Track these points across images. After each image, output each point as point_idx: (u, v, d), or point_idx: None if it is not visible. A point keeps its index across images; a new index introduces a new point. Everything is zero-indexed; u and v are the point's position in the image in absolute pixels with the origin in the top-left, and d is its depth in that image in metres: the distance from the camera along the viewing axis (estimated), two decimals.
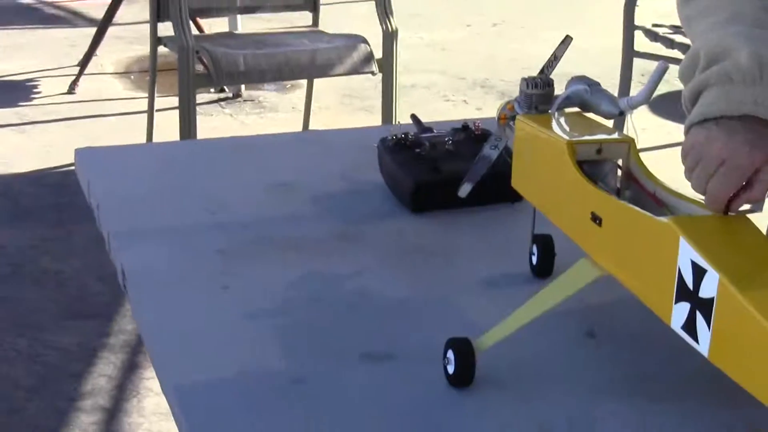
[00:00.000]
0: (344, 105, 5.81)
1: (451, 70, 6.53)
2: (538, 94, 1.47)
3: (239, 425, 1.24)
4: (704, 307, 1.06)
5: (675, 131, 5.19)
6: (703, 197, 1.23)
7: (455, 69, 6.54)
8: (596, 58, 6.22)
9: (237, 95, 5.87)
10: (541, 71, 1.54)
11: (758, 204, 1.23)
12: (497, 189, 1.73)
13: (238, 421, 1.25)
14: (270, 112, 5.67)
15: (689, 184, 1.26)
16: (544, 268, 1.59)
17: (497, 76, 6.38)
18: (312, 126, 5.04)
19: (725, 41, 1.28)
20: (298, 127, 5.11)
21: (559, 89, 1.48)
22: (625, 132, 1.38)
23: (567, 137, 1.34)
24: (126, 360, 3.37)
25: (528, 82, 1.48)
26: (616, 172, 1.36)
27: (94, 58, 6.00)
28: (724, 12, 1.35)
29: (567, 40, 1.57)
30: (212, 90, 5.81)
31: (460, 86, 6.23)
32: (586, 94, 1.44)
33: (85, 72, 6.00)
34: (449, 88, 6.19)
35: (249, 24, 5.59)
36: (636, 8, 4.79)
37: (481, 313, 1.46)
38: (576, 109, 1.47)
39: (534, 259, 1.60)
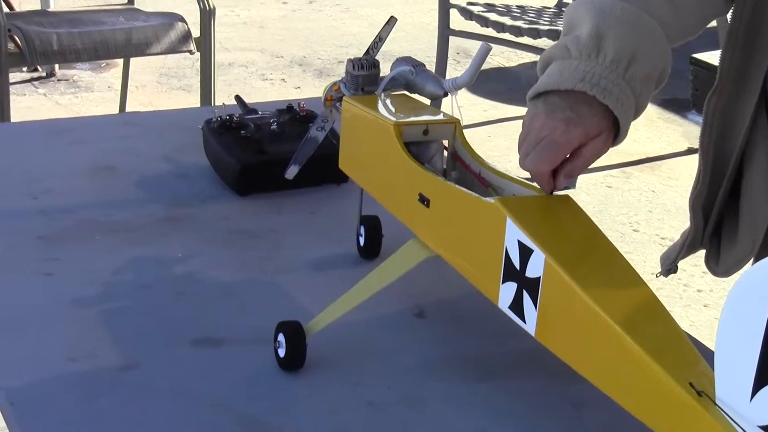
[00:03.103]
0: (161, 84, 5.72)
1: (269, 48, 6.49)
2: (364, 76, 1.48)
3: (69, 414, 1.21)
4: (531, 286, 1.08)
5: (490, 109, 5.27)
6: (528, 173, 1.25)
7: (273, 47, 6.50)
8: (412, 36, 6.27)
9: (51, 74, 5.72)
10: (367, 52, 1.55)
11: (572, 181, 1.25)
12: (324, 170, 1.74)
13: (67, 410, 1.22)
14: (85, 92, 5.54)
15: (511, 163, 1.27)
16: (372, 250, 1.60)
17: (315, 54, 6.37)
18: (129, 106, 4.95)
19: (577, 13, 1.28)
20: (115, 107, 5.02)
21: (385, 70, 1.49)
22: (449, 112, 1.39)
23: (394, 118, 1.35)
24: None
25: (354, 63, 1.48)
26: (443, 153, 1.37)
27: None
28: None
29: (391, 21, 1.58)
30: (24, 69, 5.65)
31: (278, 64, 6.20)
32: (411, 75, 1.46)
33: None
34: (267, 67, 6.14)
35: (62, 2, 5.46)
36: None
37: (311, 296, 1.47)
38: (402, 91, 1.48)
39: (361, 241, 1.60)
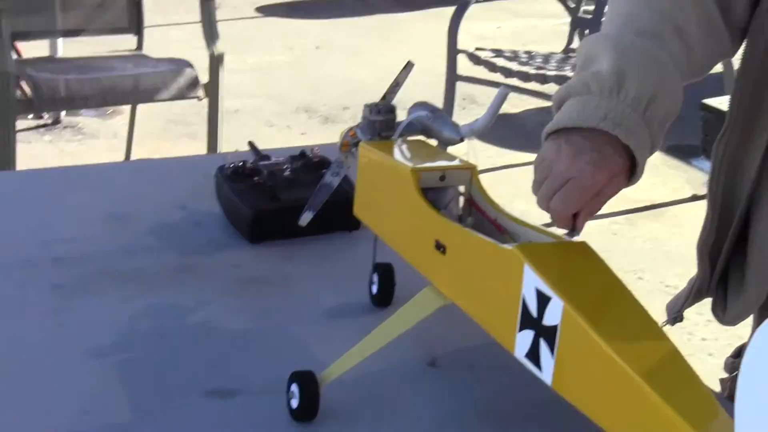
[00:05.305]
0: (167, 131, 5.73)
1: (275, 94, 6.50)
2: (381, 121, 1.47)
3: None
4: (548, 334, 1.07)
5: (495, 156, 5.27)
6: (544, 218, 1.25)
7: (279, 93, 6.52)
8: (420, 81, 6.27)
9: (56, 121, 5.73)
10: (383, 97, 1.54)
11: (577, 230, 1.25)
12: (337, 217, 1.73)
13: None
14: (91, 139, 5.56)
15: (515, 211, 1.27)
16: (385, 298, 1.59)
17: (321, 101, 6.39)
18: (134, 153, 4.96)
19: (595, 48, 1.28)
20: (120, 155, 5.02)
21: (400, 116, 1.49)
22: (465, 158, 1.39)
23: (410, 164, 1.34)
24: None
25: (371, 108, 1.47)
26: (458, 199, 1.37)
27: None
28: (626, 7, 1.34)
29: (408, 66, 1.58)
30: (30, 116, 5.66)
31: (284, 111, 6.21)
32: (428, 120, 1.45)
33: None
34: (273, 113, 6.16)
35: (71, 48, 5.48)
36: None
37: (324, 345, 1.45)
38: (419, 136, 1.48)
39: (374, 289, 1.59)
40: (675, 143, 5.33)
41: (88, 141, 5.52)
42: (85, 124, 5.75)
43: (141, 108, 4.91)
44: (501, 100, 1.33)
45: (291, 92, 6.54)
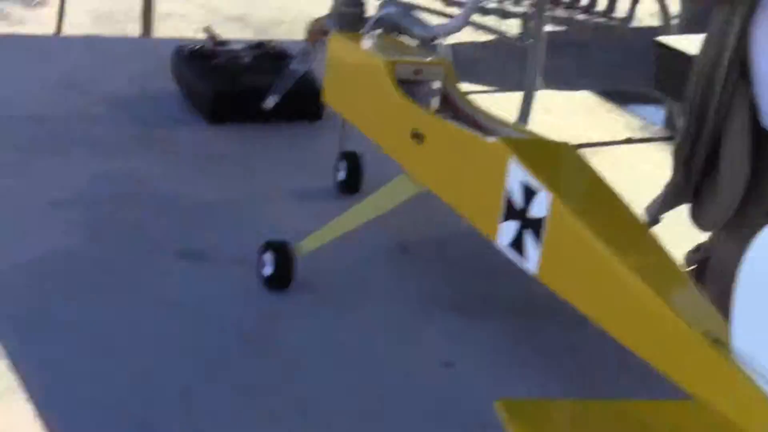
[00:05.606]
0: (96, 26, 5.61)
1: (206, 3, 6.40)
2: (351, 12, 1.47)
3: (52, 307, 1.21)
4: (533, 226, 1.07)
5: None
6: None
7: (210, 3, 6.42)
8: None
9: None
10: None
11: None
12: (300, 107, 1.72)
13: (49, 302, 1.22)
14: (18, 25, 5.43)
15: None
16: (351, 185, 1.59)
17: (253, 14, 6.30)
18: None
19: None
20: None
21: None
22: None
23: (386, 56, 1.34)
24: None
25: (342, 0, 1.47)
26: (432, 95, 1.36)
27: None
28: None
29: None
30: None
31: (215, 20, 6.11)
32: (399, 18, 1.44)
33: None
34: (205, 21, 6.06)
35: None
36: None
37: (293, 222, 1.45)
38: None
39: (340, 176, 1.59)
40: (614, 89, 5.36)
41: (15, 27, 5.39)
42: (12, 11, 5.62)
43: (70, 2, 4.79)
44: (475, 4, 1.33)
45: (222, 3, 6.44)
